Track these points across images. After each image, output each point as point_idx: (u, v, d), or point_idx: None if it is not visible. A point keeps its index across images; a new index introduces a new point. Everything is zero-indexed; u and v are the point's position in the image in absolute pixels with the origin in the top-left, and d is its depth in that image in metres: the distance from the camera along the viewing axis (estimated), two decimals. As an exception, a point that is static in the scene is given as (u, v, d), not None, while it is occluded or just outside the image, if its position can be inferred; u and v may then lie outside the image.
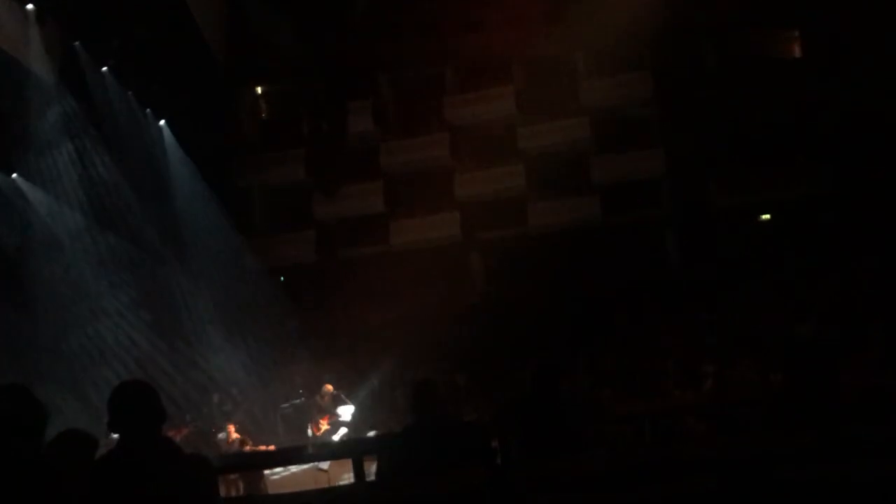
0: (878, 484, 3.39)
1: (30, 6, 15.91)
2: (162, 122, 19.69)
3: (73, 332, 16.24)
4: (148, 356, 17.06)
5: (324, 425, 14.19)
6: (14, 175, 16.68)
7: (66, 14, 16.80)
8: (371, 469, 5.91)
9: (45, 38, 16.51)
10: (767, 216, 21.83)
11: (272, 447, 12.60)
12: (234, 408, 16.57)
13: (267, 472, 11.83)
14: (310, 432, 14.41)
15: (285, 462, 10.56)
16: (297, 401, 16.70)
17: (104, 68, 18.00)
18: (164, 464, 3.47)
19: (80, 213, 17.23)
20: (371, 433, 13.21)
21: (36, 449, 3.35)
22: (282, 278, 23.03)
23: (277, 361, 19.20)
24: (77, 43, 17.50)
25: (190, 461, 3.68)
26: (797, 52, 21.69)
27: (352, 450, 7.12)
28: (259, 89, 24.77)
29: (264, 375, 18.54)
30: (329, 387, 15.17)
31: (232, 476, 10.85)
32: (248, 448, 13.02)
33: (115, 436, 3.55)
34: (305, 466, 11.41)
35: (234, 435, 13.61)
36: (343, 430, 13.86)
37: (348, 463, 6.75)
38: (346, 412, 14.56)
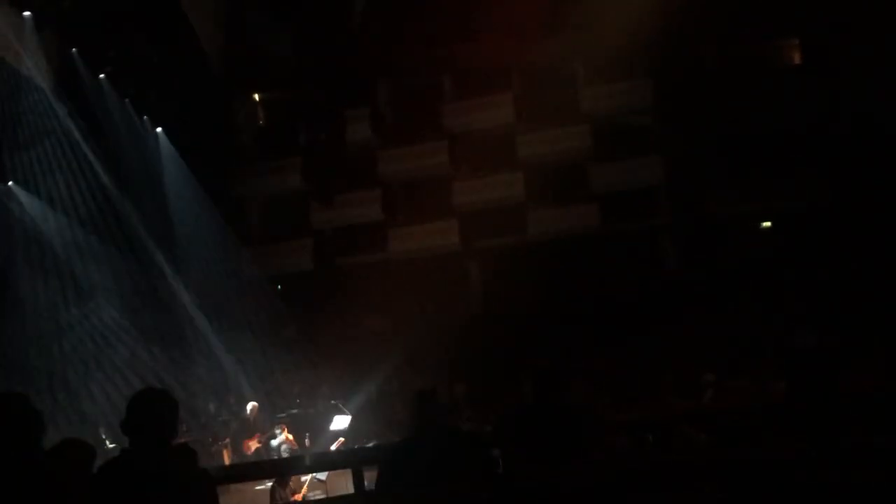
0: (880, 492, 3.35)
1: (27, 13, 15.87)
2: (159, 130, 19.64)
3: (68, 341, 16.15)
4: (143, 365, 16.97)
5: (253, 444, 14.14)
6: (10, 183, 16.63)
7: (64, 21, 16.77)
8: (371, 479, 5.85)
9: (43, 45, 16.47)
10: (768, 224, 21.76)
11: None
12: (231, 417, 16.47)
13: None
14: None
15: (284, 472, 10.48)
16: (295, 410, 16.64)
17: (101, 76, 17.96)
18: (167, 475, 3.49)
19: (76, 220, 17.16)
20: (371, 443, 13.17)
21: (34, 457, 3.38)
22: (279, 287, 22.96)
23: (275, 370, 19.13)
24: (74, 50, 17.47)
25: (193, 474, 3.69)
26: (797, 59, 21.67)
27: (350, 460, 7.04)
28: (256, 97, 24.74)
29: (261, 384, 18.45)
30: (254, 405, 15.16)
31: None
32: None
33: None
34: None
35: (288, 437, 13.66)
36: (340, 440, 13.79)
37: (347, 474, 6.67)
38: (342, 421, 14.50)
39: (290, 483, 10.50)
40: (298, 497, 11.00)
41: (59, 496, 3.39)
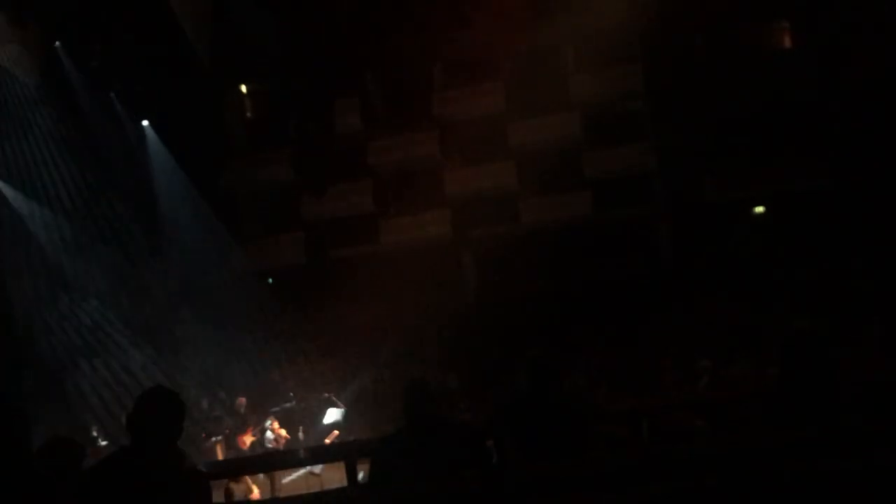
0: (877, 478, 3.32)
1: (9, 7, 15.74)
2: (145, 123, 19.52)
3: (56, 337, 16.06)
4: (135, 361, 16.89)
5: (248, 439, 14.09)
6: (-5, 178, 16.53)
7: (48, 15, 16.64)
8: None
9: (26, 39, 16.36)
10: (762, 209, 21.73)
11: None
12: (224, 412, 16.39)
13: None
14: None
15: (277, 466, 10.43)
16: (288, 404, 16.56)
17: (86, 69, 17.84)
18: (164, 474, 3.46)
19: (62, 215, 17.06)
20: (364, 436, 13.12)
21: (22, 456, 3.34)
22: (270, 280, 22.85)
23: (267, 364, 19.06)
24: (58, 44, 17.35)
25: (188, 475, 3.69)
26: (788, 42, 21.62)
27: (344, 453, 7.00)
28: (244, 88, 24.57)
29: (254, 379, 18.39)
30: (242, 400, 15.11)
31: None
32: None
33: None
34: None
35: (279, 431, 13.59)
36: (333, 433, 13.75)
37: (340, 467, 6.61)
38: (336, 414, 14.46)
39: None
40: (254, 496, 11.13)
41: (47, 495, 3.36)
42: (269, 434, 13.82)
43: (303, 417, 15.54)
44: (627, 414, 7.44)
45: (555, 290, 19.97)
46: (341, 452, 7.66)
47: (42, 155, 16.50)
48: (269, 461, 9.94)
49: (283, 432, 13.66)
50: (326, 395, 15.03)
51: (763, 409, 4.28)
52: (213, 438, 15.11)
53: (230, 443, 14.66)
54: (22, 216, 16.50)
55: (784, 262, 18.59)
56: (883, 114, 17.73)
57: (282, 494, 11.51)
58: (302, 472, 12.09)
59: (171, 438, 3.53)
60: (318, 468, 11.23)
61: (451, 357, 17.98)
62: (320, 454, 9.31)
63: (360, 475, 6.29)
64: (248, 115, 24.86)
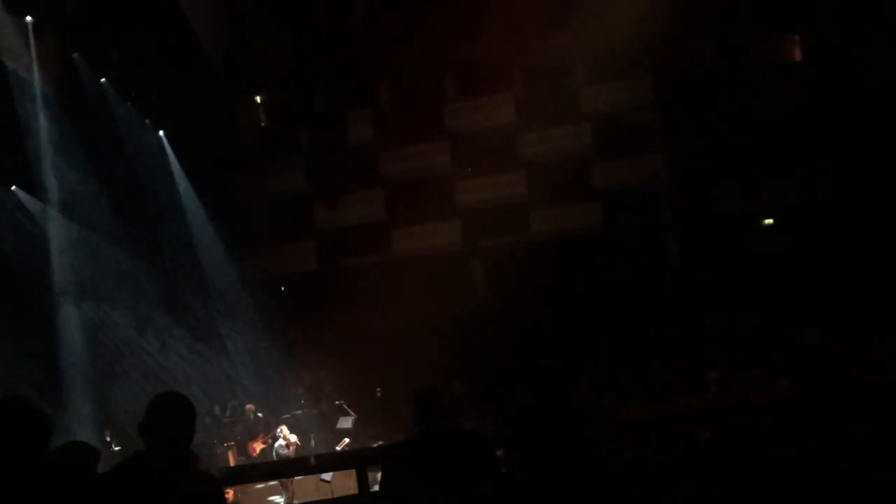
0: (886, 488, 3.34)
1: (29, 17, 15.92)
2: (161, 133, 19.67)
3: (71, 344, 16.18)
4: (147, 367, 16.99)
5: (258, 446, 14.17)
6: (13, 188, 16.68)
7: (66, 25, 16.81)
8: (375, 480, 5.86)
9: (44, 49, 16.52)
10: (771, 221, 21.71)
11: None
12: (235, 419, 16.50)
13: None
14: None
15: (289, 473, 10.50)
16: (299, 411, 16.65)
17: (103, 79, 18.01)
18: (178, 479, 3.50)
19: (80, 223, 17.20)
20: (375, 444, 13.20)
21: (39, 460, 3.37)
22: (282, 288, 22.95)
23: (279, 371, 19.13)
24: (76, 54, 17.54)
25: (201, 479, 3.73)
26: (798, 56, 21.61)
27: (355, 460, 7.05)
28: (258, 98, 24.71)
29: (266, 385, 18.46)
30: (251, 407, 15.16)
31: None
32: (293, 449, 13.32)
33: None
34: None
35: (289, 437, 13.67)
36: (344, 440, 13.82)
37: (351, 474, 6.68)
38: (347, 422, 14.53)
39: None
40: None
41: (62, 498, 3.39)
42: (279, 440, 13.93)
43: (314, 424, 15.62)
44: (635, 423, 7.47)
45: (563, 299, 19.98)
46: (352, 460, 7.71)
47: (59, 164, 16.66)
48: (280, 468, 10.01)
49: (294, 438, 13.75)
50: (338, 402, 15.09)
51: (773, 421, 4.26)
52: (225, 444, 15.22)
53: (241, 449, 14.77)
54: (39, 224, 16.65)
55: (792, 271, 18.56)
56: (889, 124, 17.71)
57: (296, 501, 11.60)
58: (312, 478, 12.15)
59: (183, 443, 3.57)
60: (328, 475, 11.29)
61: (460, 365, 18.01)
62: (331, 461, 9.37)
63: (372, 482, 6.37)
64: (262, 124, 25.00)
